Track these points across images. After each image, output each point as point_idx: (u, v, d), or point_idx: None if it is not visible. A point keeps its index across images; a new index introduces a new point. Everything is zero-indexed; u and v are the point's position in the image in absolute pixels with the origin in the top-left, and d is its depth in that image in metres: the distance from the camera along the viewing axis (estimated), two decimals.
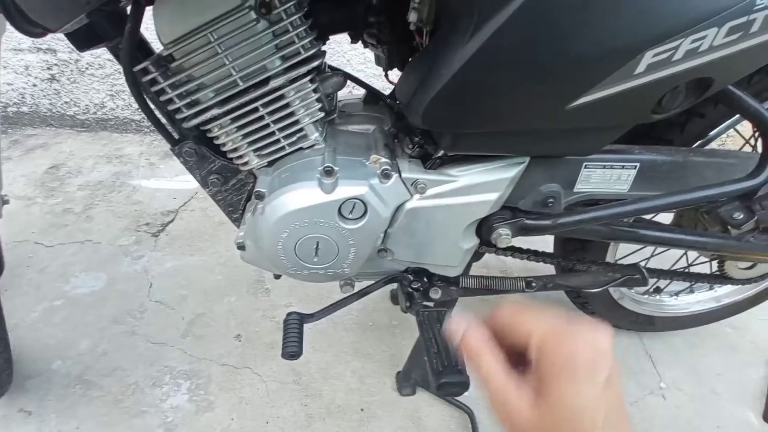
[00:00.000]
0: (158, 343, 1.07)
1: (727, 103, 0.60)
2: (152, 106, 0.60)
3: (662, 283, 1.10)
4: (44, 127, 2.02)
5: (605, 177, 0.64)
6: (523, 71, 0.43)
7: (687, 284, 1.07)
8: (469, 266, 0.83)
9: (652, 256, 1.05)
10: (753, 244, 0.77)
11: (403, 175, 0.57)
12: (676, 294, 1.13)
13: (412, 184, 0.58)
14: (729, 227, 0.62)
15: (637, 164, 0.63)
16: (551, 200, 0.64)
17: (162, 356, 1.04)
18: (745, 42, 0.45)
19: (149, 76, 0.53)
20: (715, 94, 0.56)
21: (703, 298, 1.13)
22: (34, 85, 1.95)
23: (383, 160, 0.57)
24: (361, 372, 1.03)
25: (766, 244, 0.78)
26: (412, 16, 0.53)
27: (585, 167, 0.62)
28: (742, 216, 0.61)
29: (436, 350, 0.55)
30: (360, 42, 0.69)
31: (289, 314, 0.59)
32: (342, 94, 0.68)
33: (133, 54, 0.52)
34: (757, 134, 0.77)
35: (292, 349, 0.54)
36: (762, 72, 0.70)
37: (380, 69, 0.76)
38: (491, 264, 1.32)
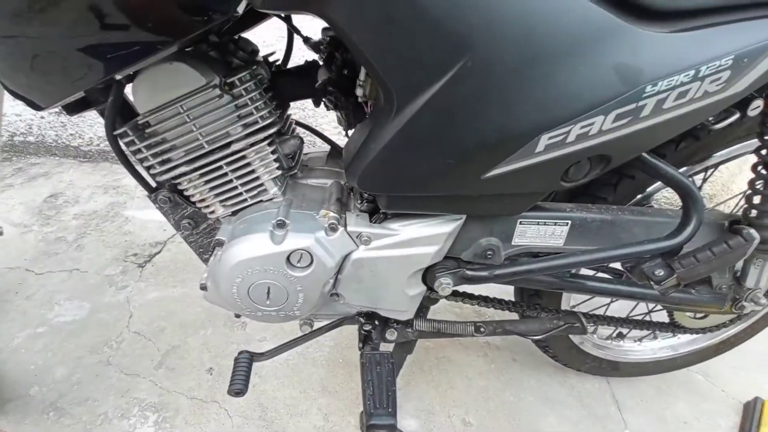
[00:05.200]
0: (131, 374, 1.10)
1: (645, 170, 0.66)
2: (131, 158, 0.68)
3: (625, 329, 1.13)
4: (48, 156, 2.13)
5: (540, 232, 0.70)
6: (439, 148, 0.50)
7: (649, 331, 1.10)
8: (427, 309, 0.88)
9: (611, 302, 1.09)
10: (695, 297, 0.82)
11: (349, 228, 0.63)
12: (639, 340, 1.15)
13: (357, 237, 0.64)
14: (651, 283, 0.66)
15: (569, 221, 0.69)
16: (490, 252, 0.70)
17: (133, 387, 1.07)
18: (637, 125, 0.52)
19: (128, 138, 0.61)
20: (637, 163, 0.63)
21: (666, 345, 1.16)
22: (42, 117, 2.07)
23: (332, 214, 0.63)
24: (326, 409, 1.05)
25: (708, 297, 0.82)
26: (359, 91, 0.61)
27: (519, 223, 0.68)
28: (662, 273, 0.66)
29: (371, 392, 0.59)
30: (322, 105, 0.77)
31: (240, 353, 0.64)
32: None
33: (114, 120, 0.60)
34: None
35: (238, 386, 0.58)
36: (689, 138, 0.78)
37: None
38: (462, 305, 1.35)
